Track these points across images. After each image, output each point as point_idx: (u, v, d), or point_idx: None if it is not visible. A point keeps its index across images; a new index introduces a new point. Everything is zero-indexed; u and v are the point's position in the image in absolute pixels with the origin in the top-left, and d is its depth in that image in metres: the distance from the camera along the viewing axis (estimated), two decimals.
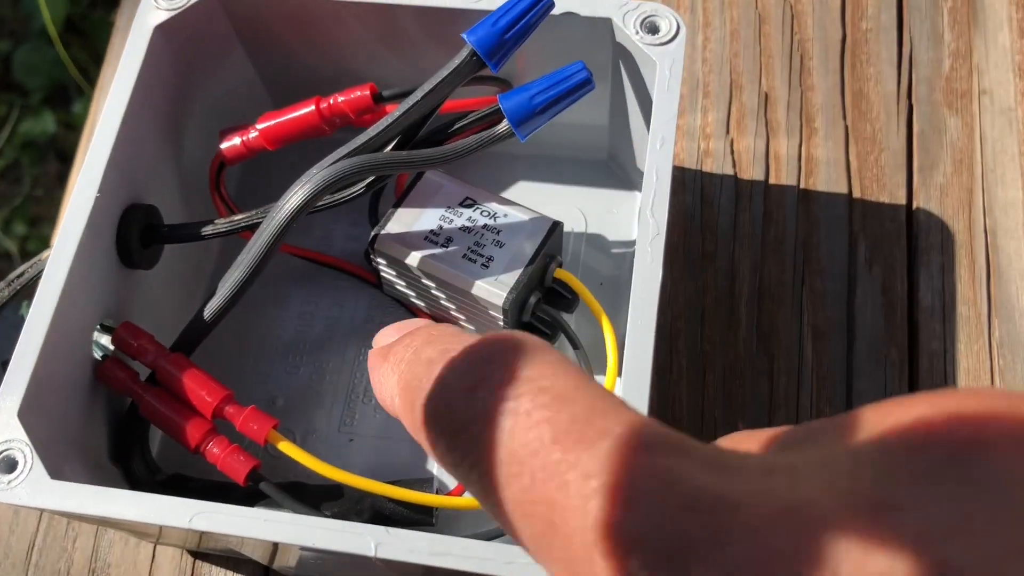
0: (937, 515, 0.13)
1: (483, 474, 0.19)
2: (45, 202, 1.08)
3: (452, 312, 0.38)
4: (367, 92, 0.37)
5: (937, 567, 0.13)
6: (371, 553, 0.28)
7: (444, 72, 0.34)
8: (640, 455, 0.17)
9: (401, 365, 0.23)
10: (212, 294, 0.35)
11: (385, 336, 0.26)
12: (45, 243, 1.05)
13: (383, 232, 0.37)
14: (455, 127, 0.36)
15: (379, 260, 0.38)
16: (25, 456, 0.30)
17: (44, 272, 0.33)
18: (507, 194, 0.43)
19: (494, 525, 0.35)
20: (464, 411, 0.20)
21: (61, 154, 1.10)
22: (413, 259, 0.37)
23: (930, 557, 0.13)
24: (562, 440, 0.18)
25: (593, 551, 0.16)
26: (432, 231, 0.37)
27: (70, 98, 1.10)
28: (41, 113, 1.10)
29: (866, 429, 0.16)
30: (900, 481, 0.14)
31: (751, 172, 0.44)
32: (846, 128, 0.45)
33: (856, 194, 0.44)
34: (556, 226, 0.37)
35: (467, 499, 0.35)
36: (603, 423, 0.18)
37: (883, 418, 0.16)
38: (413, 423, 0.22)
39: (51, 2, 1.06)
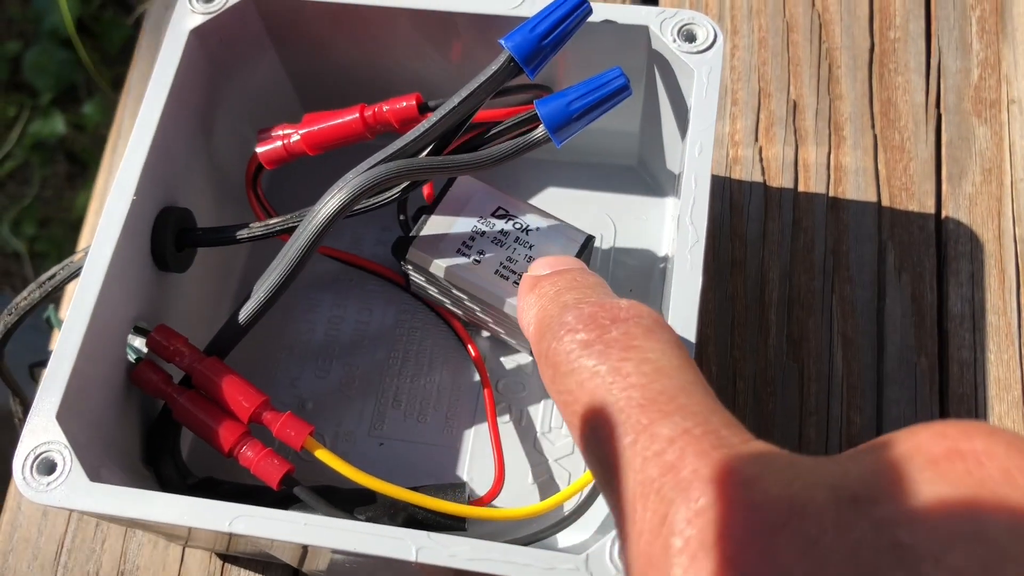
0: (903, 505, 0.16)
1: (574, 414, 0.23)
2: (54, 203, 1.08)
3: (479, 315, 0.38)
4: (412, 102, 0.37)
5: (893, 546, 0.16)
6: (412, 558, 0.28)
7: (481, 78, 0.34)
8: (699, 435, 0.20)
9: (543, 300, 0.27)
10: (243, 298, 0.35)
11: (540, 266, 0.30)
12: (55, 244, 1.05)
13: (416, 242, 0.37)
14: (491, 132, 0.36)
15: (410, 268, 0.38)
16: (64, 458, 0.30)
17: (81, 274, 0.33)
18: (536, 200, 0.43)
19: (526, 531, 0.35)
20: (576, 359, 0.24)
21: (71, 155, 1.10)
22: (445, 272, 0.37)
23: (888, 538, 0.16)
24: (647, 406, 0.21)
25: (637, 503, 0.20)
26: (464, 243, 0.37)
27: (79, 99, 1.10)
28: (50, 114, 1.10)
29: (883, 442, 0.19)
30: (881, 480, 0.17)
31: (780, 180, 0.44)
32: (875, 137, 0.45)
33: (885, 202, 0.44)
34: (589, 240, 0.37)
35: (499, 510, 0.35)
36: (684, 400, 0.22)
37: (898, 436, 0.18)
38: (537, 353, 0.26)
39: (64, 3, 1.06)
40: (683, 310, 0.31)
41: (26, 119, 1.10)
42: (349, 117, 0.37)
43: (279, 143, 0.38)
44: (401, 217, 0.39)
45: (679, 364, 0.23)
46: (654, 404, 0.21)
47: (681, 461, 0.20)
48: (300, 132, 0.37)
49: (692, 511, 0.19)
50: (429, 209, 0.38)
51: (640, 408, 0.22)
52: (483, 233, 0.37)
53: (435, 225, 0.37)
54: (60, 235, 1.06)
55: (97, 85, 1.06)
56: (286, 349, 0.41)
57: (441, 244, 0.37)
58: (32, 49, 1.11)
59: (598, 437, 0.22)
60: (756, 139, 0.45)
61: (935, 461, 0.17)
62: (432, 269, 0.37)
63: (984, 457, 0.17)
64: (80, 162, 1.09)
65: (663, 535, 0.19)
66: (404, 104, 0.37)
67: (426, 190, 0.40)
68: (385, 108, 0.37)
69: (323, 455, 0.33)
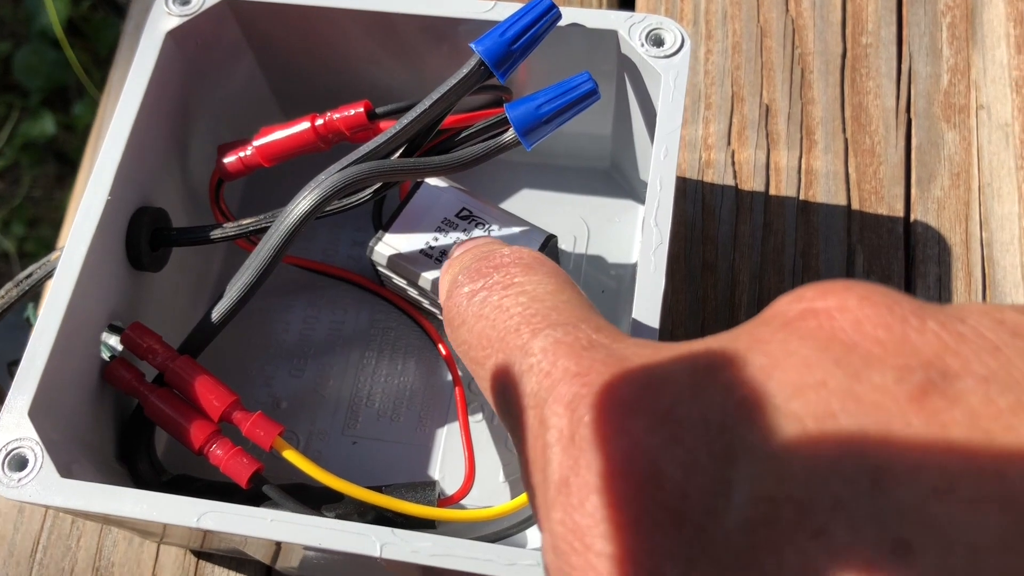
0: (753, 364, 0.17)
1: (472, 361, 0.25)
2: (43, 203, 1.08)
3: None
4: (361, 110, 0.37)
5: (740, 402, 0.16)
6: (376, 553, 0.29)
7: (452, 81, 0.34)
8: (569, 341, 0.21)
9: (452, 276, 0.28)
10: (217, 297, 0.36)
11: (457, 249, 0.32)
12: (43, 244, 1.05)
13: (379, 244, 0.38)
14: (461, 135, 0.37)
15: (378, 266, 0.39)
16: (35, 454, 0.30)
17: (55, 273, 0.33)
18: (509, 202, 0.43)
19: (493, 529, 0.36)
20: (465, 309, 0.26)
21: (60, 156, 1.10)
22: (409, 272, 0.37)
23: (736, 395, 0.17)
24: (522, 328, 0.23)
25: (524, 417, 0.21)
26: (428, 244, 0.37)
27: (70, 100, 1.10)
28: (40, 114, 1.10)
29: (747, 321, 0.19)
30: (737, 348, 0.18)
31: (752, 183, 0.45)
32: (846, 141, 0.46)
33: (855, 206, 0.44)
34: (550, 239, 0.38)
35: (467, 512, 0.35)
36: (556, 316, 0.23)
37: (762, 312, 0.19)
38: (444, 319, 0.27)
39: (53, 4, 1.06)
40: (647, 311, 0.31)
41: (16, 119, 1.10)
42: (300, 127, 0.38)
43: (234, 157, 0.38)
44: (374, 217, 0.40)
45: (554, 289, 0.25)
46: (528, 325, 0.23)
47: (554, 366, 0.21)
48: (254, 145, 0.38)
49: (563, 404, 0.19)
50: (397, 210, 0.38)
51: (516, 333, 0.23)
52: (447, 234, 0.37)
53: (402, 226, 0.38)
54: (49, 235, 1.06)
55: (86, 86, 1.06)
56: (261, 349, 0.41)
57: (405, 244, 0.38)
58: (22, 49, 1.11)
59: (493, 374, 0.23)
60: (729, 143, 0.46)
61: (789, 322, 0.17)
62: (397, 270, 0.37)
63: (836, 312, 0.17)
64: (70, 162, 1.09)
65: (542, 434, 0.20)
66: (352, 112, 0.37)
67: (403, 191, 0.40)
68: (335, 116, 0.37)
69: (291, 456, 0.33)
